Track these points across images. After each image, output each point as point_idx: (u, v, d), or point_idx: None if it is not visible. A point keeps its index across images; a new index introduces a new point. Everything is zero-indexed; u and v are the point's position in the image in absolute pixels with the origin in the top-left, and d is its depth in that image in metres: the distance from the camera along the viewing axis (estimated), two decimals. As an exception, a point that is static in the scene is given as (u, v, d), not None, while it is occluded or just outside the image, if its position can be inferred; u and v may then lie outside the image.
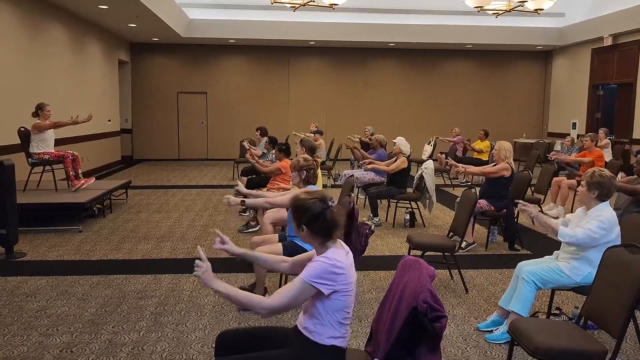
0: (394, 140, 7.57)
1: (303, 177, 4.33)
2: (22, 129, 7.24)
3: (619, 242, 3.42)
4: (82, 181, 7.41)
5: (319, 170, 5.79)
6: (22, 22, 8.51)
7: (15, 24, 8.28)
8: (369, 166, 7.46)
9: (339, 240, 2.38)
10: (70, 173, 7.25)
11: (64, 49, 10.25)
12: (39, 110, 7.15)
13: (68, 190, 7.36)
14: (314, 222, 2.28)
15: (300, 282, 2.21)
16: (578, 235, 3.40)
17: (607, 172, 3.52)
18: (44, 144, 7.19)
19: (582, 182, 3.57)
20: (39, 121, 7.12)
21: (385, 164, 7.42)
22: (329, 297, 2.23)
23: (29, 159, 7.21)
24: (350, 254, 2.38)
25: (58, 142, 7.88)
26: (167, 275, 5.04)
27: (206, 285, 2.16)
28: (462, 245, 5.80)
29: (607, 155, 9.54)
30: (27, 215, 6.61)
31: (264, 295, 4.28)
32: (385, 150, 8.65)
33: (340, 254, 2.29)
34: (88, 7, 9.97)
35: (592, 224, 3.40)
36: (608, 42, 12.66)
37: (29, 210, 6.63)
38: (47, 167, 7.40)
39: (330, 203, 2.33)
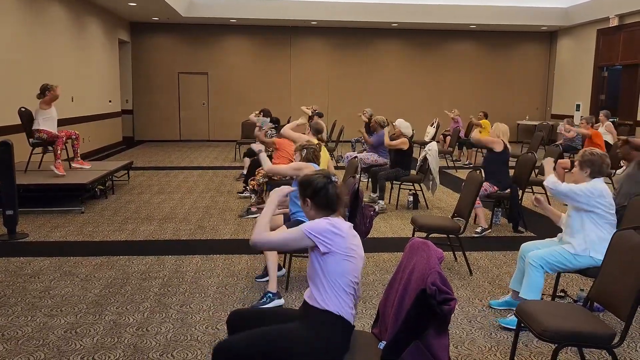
0: (394, 123, 7.49)
1: (303, 155, 4.39)
2: (23, 109, 7.17)
3: (613, 211, 3.53)
4: (61, 169, 7.07)
5: (325, 152, 5.77)
6: (22, 1, 8.38)
7: (14, 4, 8.15)
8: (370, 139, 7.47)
9: (341, 217, 2.49)
10: (58, 152, 7.07)
11: (63, 28, 10.12)
12: (47, 91, 7.02)
13: (71, 170, 7.34)
14: (317, 195, 2.43)
15: (298, 230, 2.34)
16: (561, 186, 3.56)
17: (597, 150, 3.66)
18: (50, 122, 7.09)
19: (575, 163, 3.69)
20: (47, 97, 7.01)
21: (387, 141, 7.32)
22: (327, 258, 2.30)
23: (30, 139, 7.15)
24: (353, 230, 2.44)
25: (60, 123, 7.81)
26: (170, 256, 5.03)
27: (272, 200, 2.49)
28: (477, 230, 5.82)
29: (610, 138, 9.40)
30: (29, 196, 6.58)
31: (280, 270, 4.33)
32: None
33: (341, 222, 2.40)
34: (87, -14, 9.83)
35: (578, 185, 3.55)
36: (614, 22, 12.49)
37: (30, 191, 6.60)
38: (49, 148, 7.34)
39: (333, 179, 2.49)
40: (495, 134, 6.02)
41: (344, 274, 2.32)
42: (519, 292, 3.68)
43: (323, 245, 2.29)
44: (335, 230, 2.32)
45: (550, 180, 3.66)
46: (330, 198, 2.43)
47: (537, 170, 7.41)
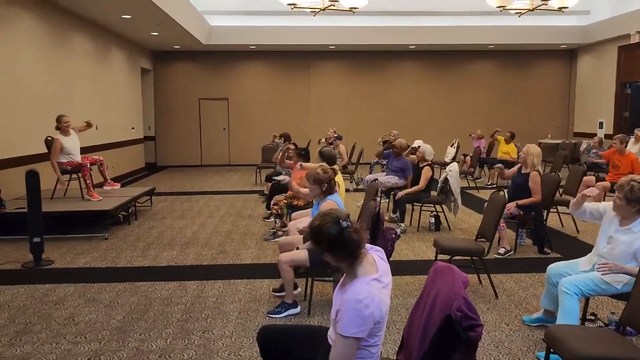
0: (413, 146, 7.43)
1: (324, 189, 4.34)
2: (49, 138, 7.34)
3: None
4: (95, 195, 7.32)
5: (340, 177, 5.76)
6: (48, 32, 8.65)
7: (40, 35, 8.42)
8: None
9: (368, 256, 2.27)
10: (88, 182, 7.23)
11: (88, 58, 10.40)
12: (57, 122, 7.19)
13: (103, 193, 7.49)
14: (334, 247, 2.20)
15: (342, 339, 2.12)
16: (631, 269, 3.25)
17: None
18: (69, 156, 7.23)
19: (618, 194, 3.42)
20: (58, 138, 7.14)
21: (414, 187, 7.15)
22: None
23: (56, 167, 7.31)
24: (383, 270, 2.27)
25: (83, 151, 7.97)
26: (192, 282, 5.04)
27: None
28: (500, 252, 5.72)
29: None
30: (55, 223, 6.69)
31: (295, 290, 4.30)
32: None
33: (367, 282, 2.17)
34: (111, 17, 10.11)
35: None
36: (635, 39, 12.35)
37: (56, 218, 6.71)
38: (74, 175, 7.48)
39: (345, 223, 2.20)
40: (528, 162, 5.71)
41: (374, 334, 2.20)
42: (550, 310, 3.61)
43: (363, 332, 2.12)
44: (366, 310, 2.09)
45: (627, 276, 3.28)
46: (348, 247, 2.18)
47: (561, 190, 7.29)
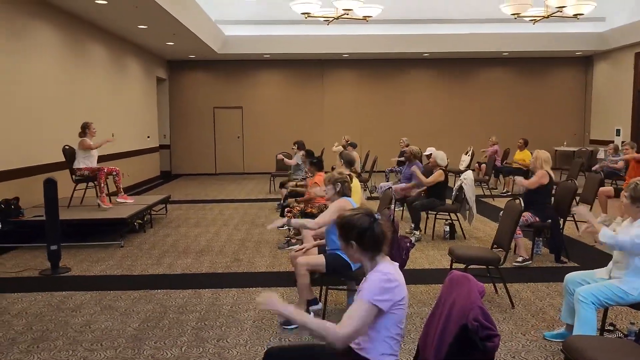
0: (425, 154, 7.43)
1: (338, 189, 4.35)
2: (67, 147, 7.45)
3: None
4: (106, 201, 7.43)
5: (356, 182, 5.76)
6: (65, 43, 8.80)
7: (58, 45, 8.56)
8: (412, 168, 7.40)
9: (387, 257, 2.36)
10: (102, 186, 7.35)
11: (105, 68, 10.55)
12: (85, 129, 7.36)
13: (114, 205, 7.55)
14: (362, 237, 2.27)
15: (362, 302, 2.17)
16: (618, 237, 3.33)
17: None
18: (89, 160, 7.39)
19: (624, 194, 3.51)
20: (86, 138, 7.31)
21: (424, 177, 7.28)
22: (385, 312, 2.21)
23: (73, 176, 7.41)
24: (397, 266, 2.36)
25: (99, 159, 8.08)
26: (207, 289, 5.05)
27: (275, 311, 2.18)
28: (517, 260, 5.69)
29: None
30: (72, 231, 6.76)
31: (317, 304, 4.27)
32: (421, 162, 8.52)
33: (391, 267, 2.29)
34: (128, 27, 10.26)
35: (637, 230, 3.31)
36: (652, 45, 12.24)
37: (73, 226, 6.78)
38: (90, 184, 7.57)
39: (376, 215, 2.32)
40: (537, 165, 5.82)
41: (396, 323, 2.25)
42: (572, 325, 3.56)
43: (386, 304, 2.19)
44: (391, 283, 2.20)
45: (606, 235, 3.36)
46: (377, 238, 2.28)
47: (578, 199, 7.20)
